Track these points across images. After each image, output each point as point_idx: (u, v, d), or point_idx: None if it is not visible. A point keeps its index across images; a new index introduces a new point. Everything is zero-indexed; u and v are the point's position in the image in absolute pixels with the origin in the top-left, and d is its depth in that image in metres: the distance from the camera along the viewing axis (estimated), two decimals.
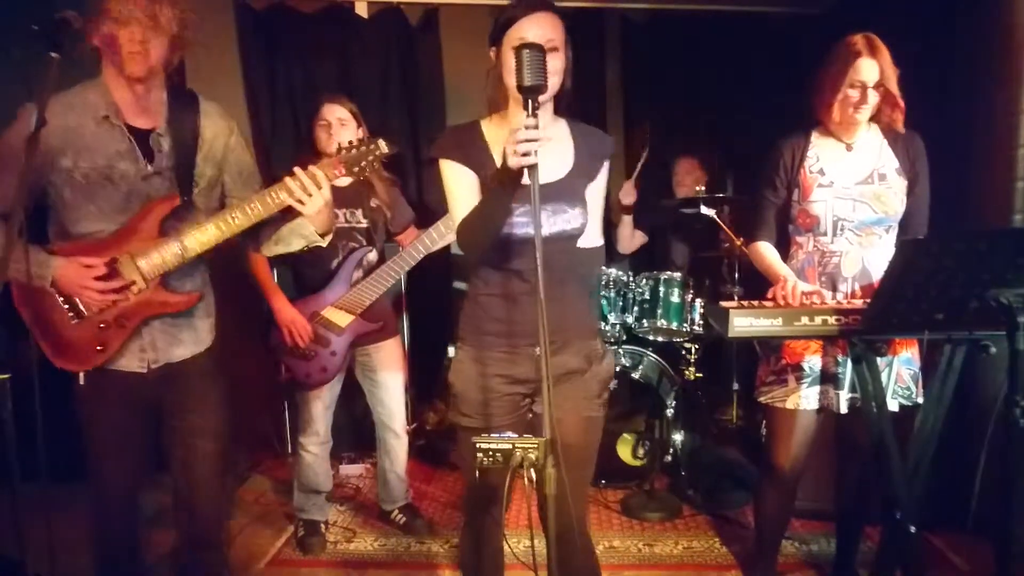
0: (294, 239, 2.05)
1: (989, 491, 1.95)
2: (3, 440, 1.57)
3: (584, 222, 1.83)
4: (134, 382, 1.98)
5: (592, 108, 4.30)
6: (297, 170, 1.89)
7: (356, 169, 1.96)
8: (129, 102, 1.89)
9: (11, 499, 1.53)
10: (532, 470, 1.44)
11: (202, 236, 1.91)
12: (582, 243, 1.87)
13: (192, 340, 2.06)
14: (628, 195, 3.74)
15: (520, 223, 1.75)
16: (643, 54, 4.23)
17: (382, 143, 1.98)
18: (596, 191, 1.90)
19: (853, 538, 2.56)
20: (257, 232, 2.06)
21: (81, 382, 1.91)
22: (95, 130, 1.86)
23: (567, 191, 1.81)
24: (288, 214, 2.01)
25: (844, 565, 2.57)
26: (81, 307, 1.90)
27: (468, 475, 2.02)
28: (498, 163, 1.72)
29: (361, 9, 4.11)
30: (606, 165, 1.91)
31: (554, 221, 1.78)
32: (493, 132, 1.85)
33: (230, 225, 1.91)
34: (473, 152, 1.82)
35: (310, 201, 1.89)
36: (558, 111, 1.87)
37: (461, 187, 1.83)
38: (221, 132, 2.02)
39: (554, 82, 1.71)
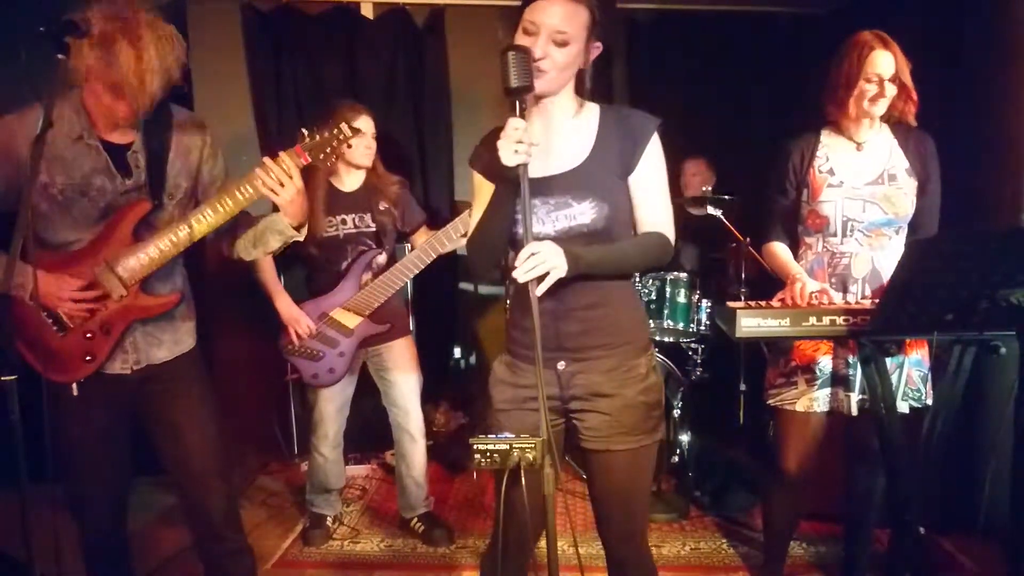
0: (271, 237, 2.00)
1: (999, 493, 1.94)
2: (11, 440, 1.57)
3: (603, 215, 1.64)
4: (117, 384, 1.98)
5: None
6: (267, 160, 1.87)
7: (321, 156, 1.92)
8: (106, 119, 1.88)
9: (19, 499, 1.53)
10: (524, 471, 1.40)
11: (175, 237, 1.90)
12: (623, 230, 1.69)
13: (172, 342, 2.05)
14: None
15: (520, 223, 1.63)
16: (649, 54, 4.21)
17: (344, 127, 1.93)
18: (642, 176, 1.70)
19: (862, 540, 2.54)
20: (232, 233, 2.05)
21: (74, 393, 1.90)
22: (70, 148, 1.85)
23: (574, 183, 1.65)
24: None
25: (853, 567, 2.55)
26: (64, 320, 1.89)
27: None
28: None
29: (367, 10, 4.10)
30: (650, 146, 1.69)
31: (556, 217, 1.65)
32: None
33: (202, 223, 1.90)
34: (494, 159, 1.72)
35: (283, 191, 1.86)
36: (583, 96, 1.75)
37: (478, 198, 1.76)
38: (195, 143, 2.01)
39: (555, 77, 1.62)
